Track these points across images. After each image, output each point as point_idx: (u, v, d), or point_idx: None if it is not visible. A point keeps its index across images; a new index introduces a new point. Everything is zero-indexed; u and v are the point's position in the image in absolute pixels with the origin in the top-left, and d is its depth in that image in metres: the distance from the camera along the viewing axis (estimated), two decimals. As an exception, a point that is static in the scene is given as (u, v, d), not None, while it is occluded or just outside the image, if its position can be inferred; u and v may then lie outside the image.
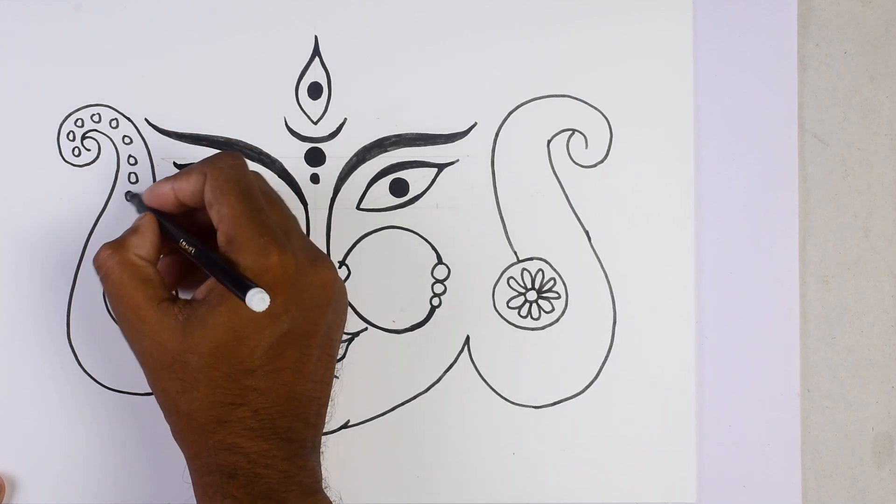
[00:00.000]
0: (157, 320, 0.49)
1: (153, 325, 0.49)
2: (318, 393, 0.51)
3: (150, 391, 0.58)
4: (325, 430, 0.58)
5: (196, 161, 0.52)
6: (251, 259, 0.47)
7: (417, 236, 0.59)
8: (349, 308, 0.59)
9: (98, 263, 0.51)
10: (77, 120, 0.59)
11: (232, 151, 0.52)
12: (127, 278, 0.50)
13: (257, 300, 0.45)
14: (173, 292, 0.51)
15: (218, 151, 0.52)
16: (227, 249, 0.48)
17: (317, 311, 0.49)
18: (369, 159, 0.59)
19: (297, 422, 0.49)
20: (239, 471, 0.48)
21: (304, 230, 0.59)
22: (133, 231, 0.52)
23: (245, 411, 0.48)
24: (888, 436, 0.60)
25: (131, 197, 0.56)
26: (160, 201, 0.52)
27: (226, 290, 0.47)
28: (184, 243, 0.50)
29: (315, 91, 0.59)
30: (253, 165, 0.59)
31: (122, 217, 0.59)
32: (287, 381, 0.49)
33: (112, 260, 0.50)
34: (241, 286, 0.46)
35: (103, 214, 0.59)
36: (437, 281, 0.59)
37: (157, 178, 0.59)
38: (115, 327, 0.58)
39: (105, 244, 0.51)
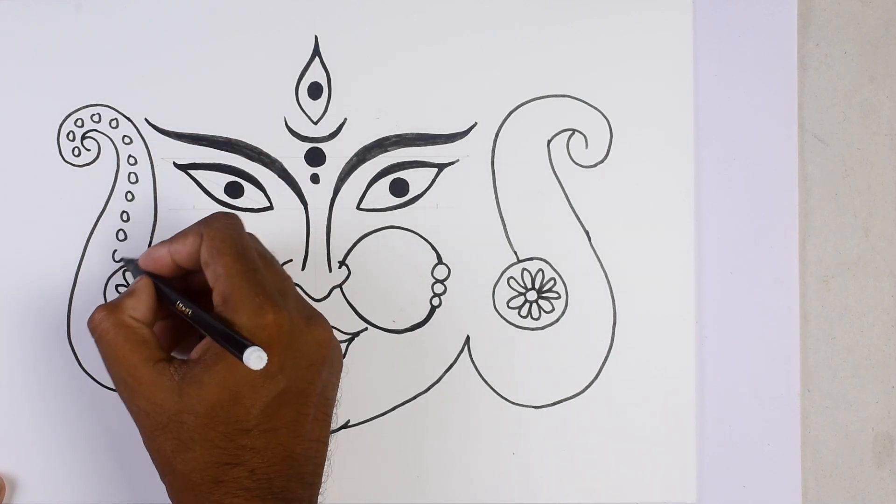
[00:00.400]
0: (153, 381, 0.49)
1: (149, 385, 0.49)
2: (315, 452, 0.51)
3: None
4: (325, 430, 0.58)
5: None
6: (246, 318, 0.47)
7: (417, 236, 0.59)
8: (351, 309, 0.59)
9: (93, 325, 0.51)
10: (77, 120, 0.59)
11: (229, 212, 0.53)
12: (122, 339, 0.50)
13: (254, 358, 0.45)
14: (170, 354, 0.51)
15: (214, 212, 0.52)
16: (222, 309, 0.48)
17: (312, 369, 0.49)
18: (369, 159, 0.59)
19: (293, 482, 0.49)
20: None
21: (305, 230, 0.59)
22: (129, 294, 0.51)
23: (241, 471, 0.48)
24: (888, 436, 0.60)
25: (126, 262, 0.57)
26: (156, 265, 0.52)
27: (221, 349, 0.48)
28: (180, 305, 0.50)
29: (315, 91, 0.59)
30: (253, 165, 0.59)
31: (122, 217, 0.59)
32: (283, 441, 0.49)
33: (107, 322, 0.50)
34: (238, 345, 0.46)
35: (103, 214, 0.59)
36: (437, 281, 0.59)
37: (158, 179, 0.59)
38: (116, 327, 0.58)
39: (100, 306, 0.51)
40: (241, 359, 0.45)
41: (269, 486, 0.48)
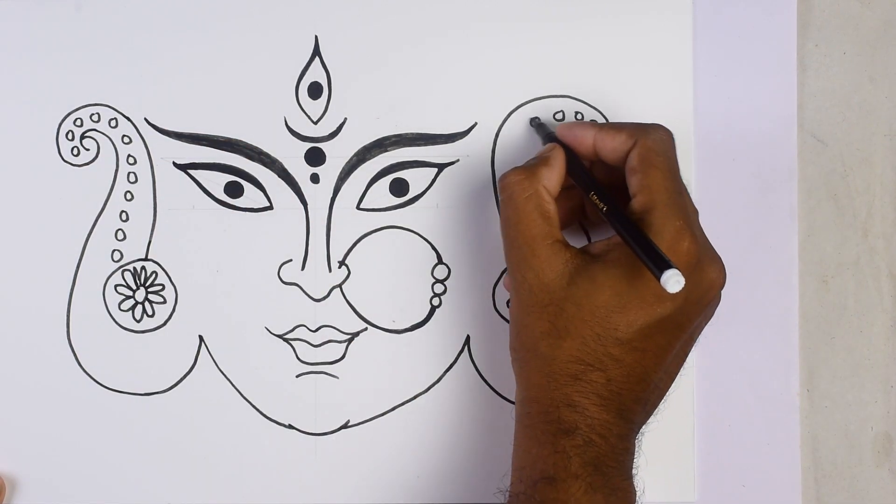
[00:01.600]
0: (548, 259, 0.49)
1: (543, 262, 0.49)
2: (664, 384, 0.51)
3: (149, 391, 0.58)
4: (324, 431, 0.58)
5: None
6: (664, 238, 0.47)
7: (417, 236, 0.59)
8: (351, 309, 0.59)
9: (505, 183, 0.51)
10: (76, 119, 0.59)
11: (665, 127, 0.52)
12: (531, 208, 0.50)
13: (673, 282, 0.44)
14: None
15: (650, 123, 0.52)
16: (638, 219, 0.48)
17: (696, 307, 0.49)
18: (369, 159, 0.59)
19: (638, 404, 0.49)
20: (578, 431, 0.48)
21: (305, 230, 0.59)
22: (544, 162, 0.52)
23: (600, 377, 0.48)
24: (887, 435, 0.60)
25: (538, 124, 0.57)
26: (576, 142, 0.52)
27: (623, 254, 0.48)
28: (595, 196, 0.50)
29: (315, 91, 0.59)
30: (253, 165, 0.59)
31: (121, 216, 0.59)
32: (646, 364, 0.49)
33: (521, 186, 0.50)
34: (660, 262, 0.45)
35: (102, 214, 0.59)
36: (437, 281, 0.59)
37: (157, 179, 0.59)
38: (115, 327, 0.58)
39: (516, 168, 0.51)
40: (657, 276, 0.45)
41: (618, 400, 0.48)
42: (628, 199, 0.50)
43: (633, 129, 0.51)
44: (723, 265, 0.50)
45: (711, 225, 0.59)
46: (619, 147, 0.51)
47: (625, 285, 0.48)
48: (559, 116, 0.59)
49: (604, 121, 0.59)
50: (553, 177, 0.51)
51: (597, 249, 0.50)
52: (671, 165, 0.50)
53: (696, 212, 0.51)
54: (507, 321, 0.59)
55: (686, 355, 0.51)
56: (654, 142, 0.50)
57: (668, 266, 0.45)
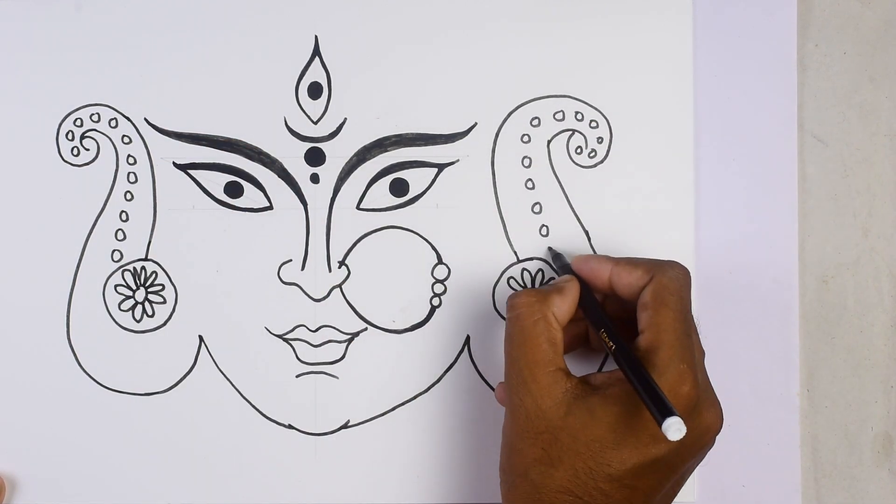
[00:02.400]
0: (548, 387, 0.49)
1: (543, 388, 0.49)
2: None
3: (149, 391, 0.58)
4: (324, 431, 0.58)
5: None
6: (666, 380, 0.47)
7: (417, 236, 0.59)
8: (351, 309, 0.59)
9: (515, 303, 0.51)
10: (76, 119, 0.59)
11: (682, 265, 0.52)
12: (538, 332, 0.50)
13: (674, 430, 0.44)
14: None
15: (670, 260, 0.52)
16: (643, 357, 0.48)
17: (691, 450, 0.49)
18: (369, 159, 0.59)
19: None
20: None
21: (304, 230, 0.59)
22: (558, 290, 0.52)
23: None
24: (888, 436, 0.60)
25: (554, 255, 0.57)
26: (591, 275, 0.53)
27: (624, 391, 0.48)
28: (604, 334, 0.50)
29: (315, 91, 0.59)
30: (253, 165, 0.59)
31: (121, 216, 0.59)
32: (634, 502, 0.48)
33: (531, 308, 0.51)
34: (663, 409, 0.45)
35: (102, 214, 0.59)
36: (437, 281, 0.59)
37: (157, 179, 0.59)
38: (115, 327, 0.58)
39: (528, 291, 0.52)
40: (659, 422, 0.44)
41: None
42: (636, 332, 0.50)
43: (650, 265, 0.51)
44: (721, 411, 0.50)
45: (712, 225, 0.59)
46: (636, 283, 0.51)
47: (622, 423, 0.47)
48: (559, 116, 0.59)
49: (605, 122, 0.59)
50: (564, 306, 0.51)
51: (598, 381, 0.49)
52: (683, 306, 0.50)
53: (702, 353, 0.52)
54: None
55: (675, 494, 0.51)
56: (669, 280, 0.50)
57: (671, 413, 0.44)
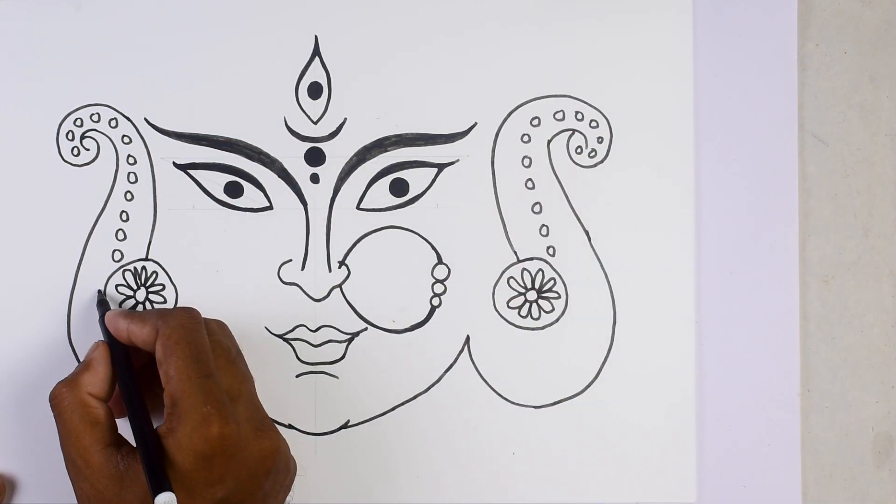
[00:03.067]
0: (100, 466, 0.49)
1: (95, 470, 0.49)
2: None
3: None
4: (324, 431, 0.58)
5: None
6: (191, 427, 0.48)
7: (417, 236, 0.59)
8: (351, 309, 0.59)
9: (53, 401, 0.51)
10: (76, 119, 0.59)
11: (187, 308, 0.53)
12: (77, 419, 0.50)
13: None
14: (118, 434, 0.51)
15: (173, 307, 0.53)
16: (170, 411, 0.49)
17: (254, 481, 0.49)
18: (369, 159, 0.59)
19: None
20: None
21: (304, 230, 0.59)
22: (86, 367, 0.52)
23: None
24: (888, 436, 0.60)
25: (100, 302, 0.57)
26: (116, 335, 0.53)
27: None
28: (123, 396, 0.51)
29: (315, 91, 0.59)
30: (253, 165, 0.59)
31: (122, 216, 0.59)
32: None
33: (66, 400, 0.51)
34: (155, 484, 0.46)
35: (103, 214, 0.59)
36: (437, 281, 0.59)
37: (157, 179, 0.59)
38: (115, 327, 0.58)
39: (60, 382, 0.52)
40: (153, 496, 0.46)
41: None
42: None
43: (156, 318, 0.51)
44: (275, 432, 0.51)
45: (712, 225, 0.59)
46: (149, 340, 0.51)
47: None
48: (559, 116, 0.59)
49: (605, 122, 0.59)
50: (97, 380, 0.52)
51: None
52: (193, 350, 0.49)
53: (243, 381, 0.52)
54: (508, 321, 0.59)
55: None
56: (172, 330, 0.50)
57: (161, 488, 0.46)
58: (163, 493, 0.46)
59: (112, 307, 0.57)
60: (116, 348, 0.53)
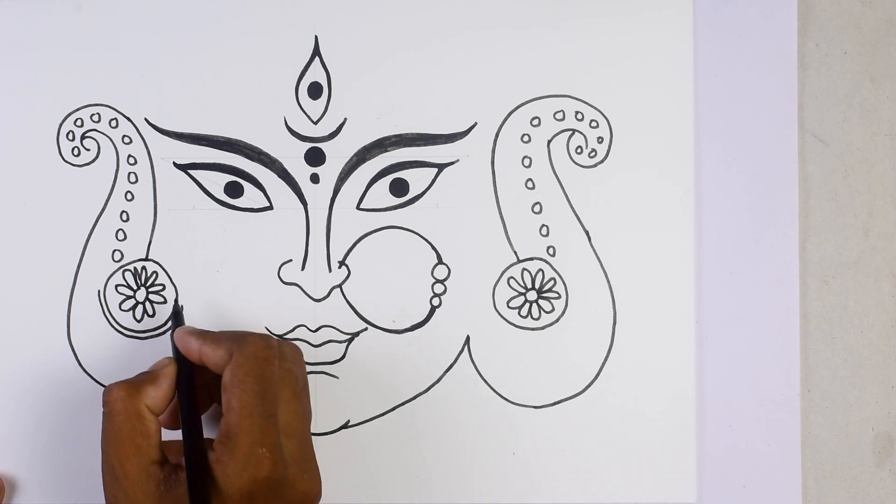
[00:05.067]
0: (139, 481, 0.49)
1: (134, 483, 0.49)
2: None
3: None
4: (324, 431, 0.58)
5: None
6: (242, 466, 0.48)
7: (417, 236, 0.59)
8: (351, 309, 0.59)
9: (108, 400, 0.51)
10: (77, 120, 0.59)
11: (265, 337, 0.51)
12: (129, 427, 0.50)
13: None
14: (163, 453, 0.51)
15: (249, 332, 0.52)
16: (223, 441, 0.48)
17: None
18: (369, 159, 0.59)
19: None
20: None
21: (305, 230, 0.59)
22: (151, 380, 0.51)
23: None
24: (888, 436, 0.60)
25: (175, 313, 0.56)
26: (186, 353, 0.52)
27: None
28: (182, 416, 0.51)
29: (315, 91, 0.59)
30: (253, 165, 0.59)
31: (122, 216, 0.59)
32: None
33: (122, 404, 0.50)
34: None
35: (103, 214, 0.59)
36: (437, 281, 0.59)
37: (157, 179, 0.59)
38: (116, 327, 0.58)
39: (121, 384, 0.51)
40: None
41: None
42: None
43: (231, 342, 0.50)
44: (318, 478, 0.51)
45: (712, 225, 0.59)
46: (220, 363, 0.50)
47: None
48: (559, 116, 0.59)
49: (605, 122, 0.59)
50: (158, 395, 0.51)
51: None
52: (261, 387, 0.49)
53: (302, 419, 0.51)
54: (508, 321, 0.59)
55: None
56: (245, 359, 0.49)
57: None
58: None
59: (170, 315, 0.56)
60: (183, 367, 0.52)
